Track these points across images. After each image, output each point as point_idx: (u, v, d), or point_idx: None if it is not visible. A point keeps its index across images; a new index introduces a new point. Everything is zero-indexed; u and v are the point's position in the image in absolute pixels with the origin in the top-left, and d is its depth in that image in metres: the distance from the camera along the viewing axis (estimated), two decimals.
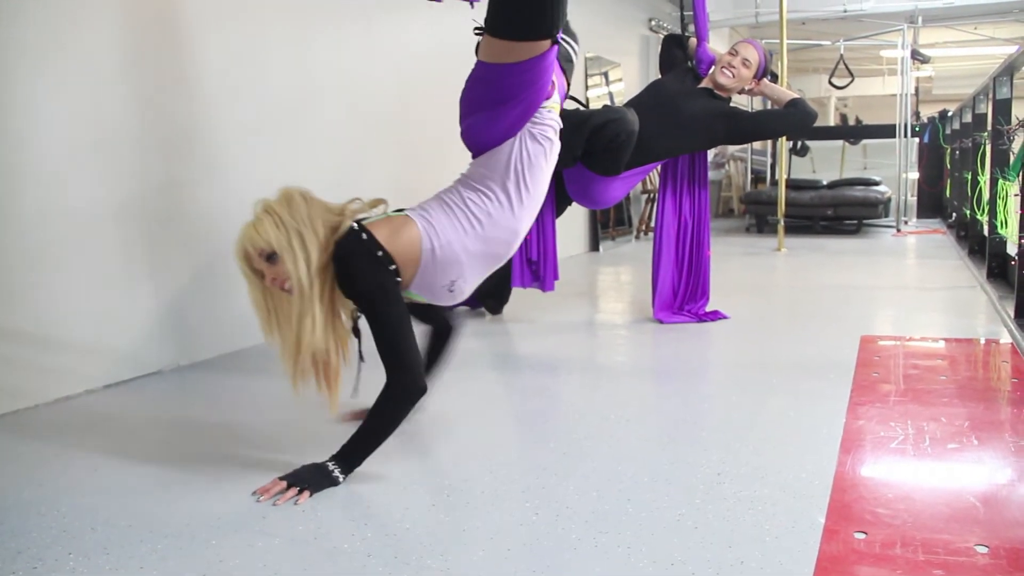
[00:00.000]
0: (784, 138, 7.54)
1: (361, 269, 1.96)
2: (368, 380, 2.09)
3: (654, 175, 7.28)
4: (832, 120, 15.70)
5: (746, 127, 3.73)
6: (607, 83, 7.37)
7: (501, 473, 2.05)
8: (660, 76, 3.96)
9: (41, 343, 2.76)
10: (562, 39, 2.41)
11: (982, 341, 3.47)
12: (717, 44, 5.73)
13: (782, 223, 7.19)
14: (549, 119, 2.21)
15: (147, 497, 1.95)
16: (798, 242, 7.61)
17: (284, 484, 1.94)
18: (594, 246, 7.18)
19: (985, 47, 12.20)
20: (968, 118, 6.78)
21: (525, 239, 2.92)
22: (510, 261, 3.14)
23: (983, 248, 5.21)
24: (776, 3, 7.05)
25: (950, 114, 8.82)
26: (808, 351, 3.30)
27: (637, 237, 8.24)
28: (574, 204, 3.77)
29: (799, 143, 10.24)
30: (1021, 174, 3.68)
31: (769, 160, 10.53)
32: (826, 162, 11.14)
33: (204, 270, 3.33)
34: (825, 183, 8.88)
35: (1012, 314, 3.63)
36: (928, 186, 9.98)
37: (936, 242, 7.47)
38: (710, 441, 2.27)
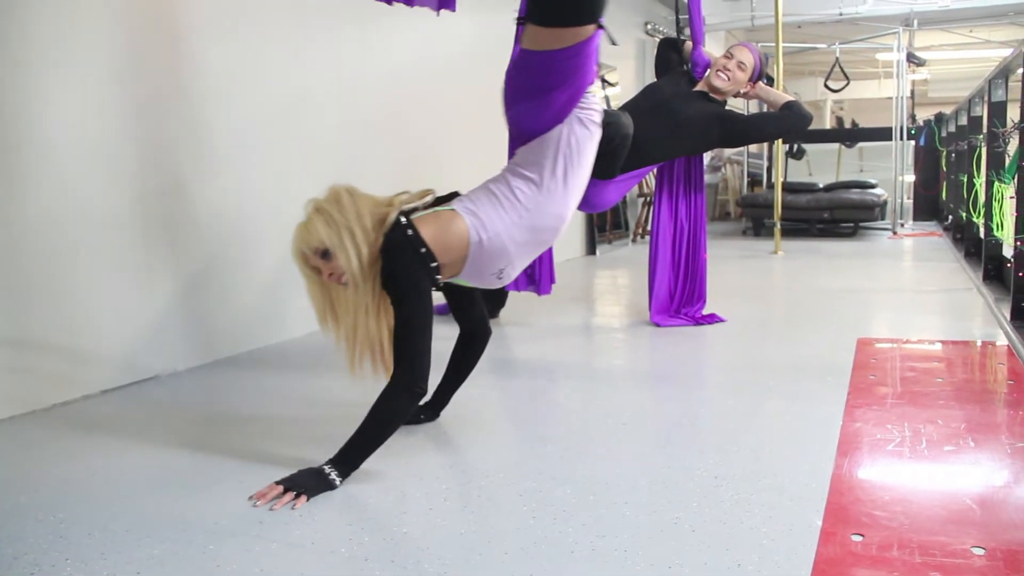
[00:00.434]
0: (780, 141, 7.55)
1: (402, 265, 2.01)
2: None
3: (650, 178, 7.30)
4: (828, 123, 15.71)
5: (741, 130, 3.73)
6: (603, 86, 7.38)
7: (498, 477, 2.05)
8: (656, 79, 3.97)
9: (38, 349, 2.75)
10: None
11: (978, 343, 3.48)
12: (713, 47, 5.74)
13: (778, 226, 7.20)
14: (594, 103, 2.22)
15: (144, 502, 1.94)
16: (795, 245, 7.62)
17: (281, 489, 1.94)
18: (591, 250, 7.19)
19: (980, 50, 12.23)
20: (964, 121, 6.79)
21: None
22: None
23: (979, 250, 5.22)
24: (772, 6, 7.06)
25: (946, 117, 8.84)
26: (805, 354, 3.31)
27: (634, 240, 8.24)
28: None
29: (795, 146, 10.24)
30: (1016, 176, 3.69)
31: (765, 163, 10.54)
32: (822, 165, 11.14)
33: (200, 275, 3.33)
34: (821, 186, 8.89)
35: (1008, 316, 3.64)
36: (924, 189, 10.00)
37: (932, 245, 7.48)
38: (707, 444, 2.27)
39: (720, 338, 3.69)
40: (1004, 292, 4.29)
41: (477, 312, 2.43)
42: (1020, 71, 3.64)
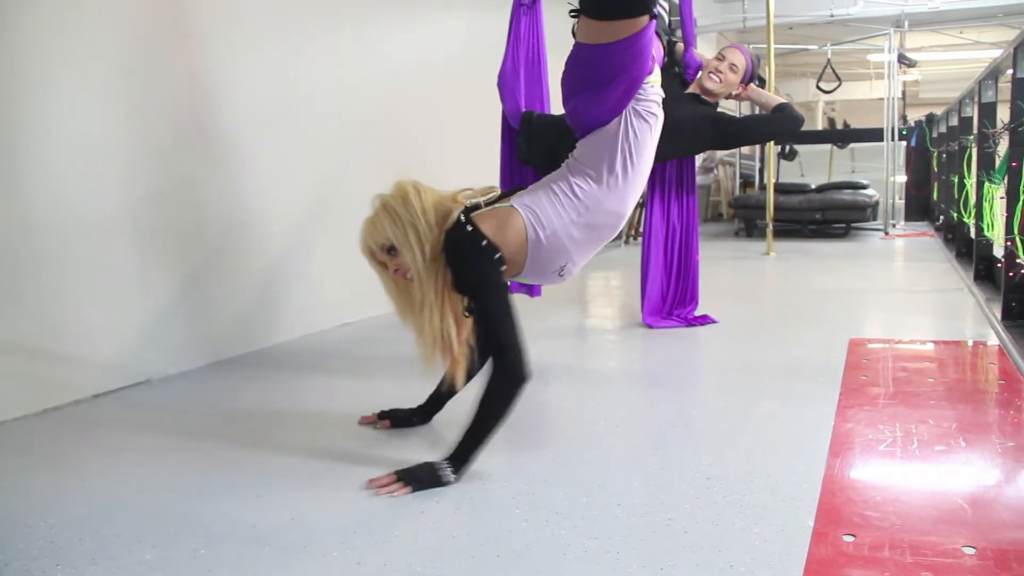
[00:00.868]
0: (772, 142, 7.57)
1: (465, 258, 2.03)
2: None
3: None
4: (820, 124, 15.76)
5: (734, 132, 3.73)
6: None
7: (490, 479, 2.05)
8: None
9: (29, 353, 2.74)
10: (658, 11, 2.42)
11: (970, 343, 3.49)
12: (704, 49, 5.75)
13: (771, 227, 7.21)
14: (653, 94, 2.21)
15: (135, 507, 1.94)
16: (787, 246, 7.64)
17: (394, 478, 1.99)
18: None
19: (971, 51, 12.28)
20: (954, 121, 6.82)
21: None
22: None
23: (970, 250, 5.24)
24: (763, 8, 7.08)
25: (937, 118, 8.87)
26: (797, 354, 3.32)
27: (626, 242, 8.25)
28: None
29: (787, 147, 10.28)
30: (1006, 177, 3.70)
31: (758, 164, 10.57)
32: (814, 166, 11.19)
33: (192, 279, 3.33)
34: (813, 187, 8.92)
35: (999, 316, 3.65)
36: (916, 189, 10.03)
37: (924, 245, 7.51)
38: (699, 445, 2.27)
39: (712, 339, 3.70)
40: (995, 292, 4.30)
41: None
42: (1010, 72, 3.65)
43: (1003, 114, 4.60)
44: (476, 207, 2.12)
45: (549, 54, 3.59)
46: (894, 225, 9.13)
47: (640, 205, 8.34)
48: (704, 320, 3.96)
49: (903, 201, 10.15)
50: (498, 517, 1.83)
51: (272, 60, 3.68)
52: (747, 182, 11.14)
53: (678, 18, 3.93)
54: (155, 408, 2.84)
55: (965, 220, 5.82)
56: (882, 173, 9.06)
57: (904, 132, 9.97)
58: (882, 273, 5.89)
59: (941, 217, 8.07)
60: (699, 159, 8.09)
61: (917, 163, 9.92)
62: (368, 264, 2.15)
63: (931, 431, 2.31)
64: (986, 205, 4.75)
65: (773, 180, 7.64)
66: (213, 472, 2.15)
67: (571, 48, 2.16)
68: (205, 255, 3.39)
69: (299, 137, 3.85)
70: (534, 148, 3.38)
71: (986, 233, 4.78)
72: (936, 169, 8.84)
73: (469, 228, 2.04)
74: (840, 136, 11.87)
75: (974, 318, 3.98)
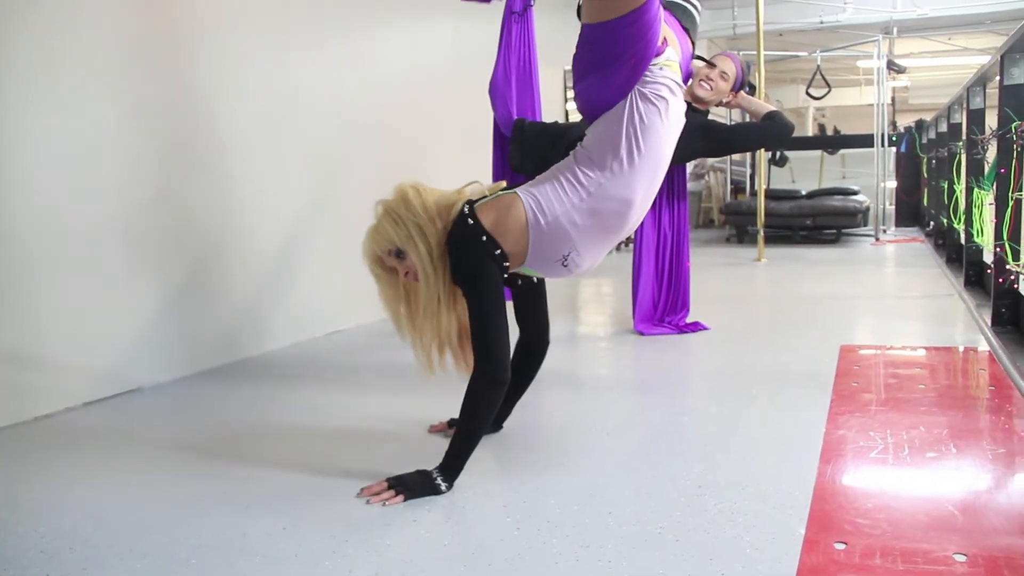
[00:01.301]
0: (763, 149, 7.59)
1: (466, 255, 2.03)
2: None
3: None
4: (810, 130, 15.83)
5: (725, 140, 3.75)
6: None
7: (482, 488, 2.05)
8: None
9: (21, 361, 2.73)
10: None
11: (960, 349, 3.50)
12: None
13: (762, 233, 7.24)
14: (662, 77, 2.13)
15: (126, 516, 1.93)
16: (778, 252, 7.66)
17: (386, 485, 1.99)
18: None
19: (960, 57, 12.34)
20: (944, 128, 6.85)
21: None
22: None
23: (960, 256, 5.26)
24: (753, 15, 7.11)
25: (926, 124, 8.91)
26: (788, 361, 3.32)
27: (618, 249, 8.24)
28: None
29: (778, 154, 10.30)
30: (995, 183, 3.72)
31: (748, 171, 10.59)
32: (805, 172, 11.21)
33: (183, 287, 3.32)
34: (804, 193, 8.95)
35: (989, 322, 3.66)
36: (906, 195, 10.07)
37: (914, 251, 7.53)
38: (691, 453, 2.27)
39: (704, 346, 3.71)
40: (985, 297, 4.32)
41: (542, 319, 2.39)
42: (997, 79, 3.68)
43: (991, 120, 4.62)
44: (481, 198, 2.11)
45: (540, 61, 3.60)
46: (884, 231, 9.16)
47: None
48: (695, 327, 3.96)
49: (893, 207, 10.19)
50: (490, 526, 1.83)
51: (263, 68, 3.68)
52: (738, 188, 11.17)
53: None
54: (146, 416, 2.83)
55: (955, 226, 5.84)
56: (872, 179, 9.10)
57: (894, 138, 10.02)
58: (873, 279, 5.91)
59: (931, 223, 8.10)
60: (690, 166, 8.11)
61: (907, 169, 9.96)
62: (371, 273, 2.13)
63: (922, 437, 2.31)
64: (975, 211, 4.77)
65: (764, 186, 7.66)
66: (204, 481, 2.14)
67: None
68: (196, 262, 3.39)
69: (290, 145, 3.85)
70: (527, 155, 3.39)
71: (976, 239, 4.80)
72: (926, 175, 8.87)
73: (471, 222, 2.03)
74: (830, 142, 11.91)
75: (964, 324, 4.00)
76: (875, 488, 2.00)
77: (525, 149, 3.40)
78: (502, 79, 3.48)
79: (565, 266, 2.14)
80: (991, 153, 4.30)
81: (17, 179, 2.70)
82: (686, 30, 2.89)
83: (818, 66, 9.03)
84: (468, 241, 2.03)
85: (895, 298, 4.96)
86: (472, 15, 5.13)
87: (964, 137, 5.05)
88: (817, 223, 8.52)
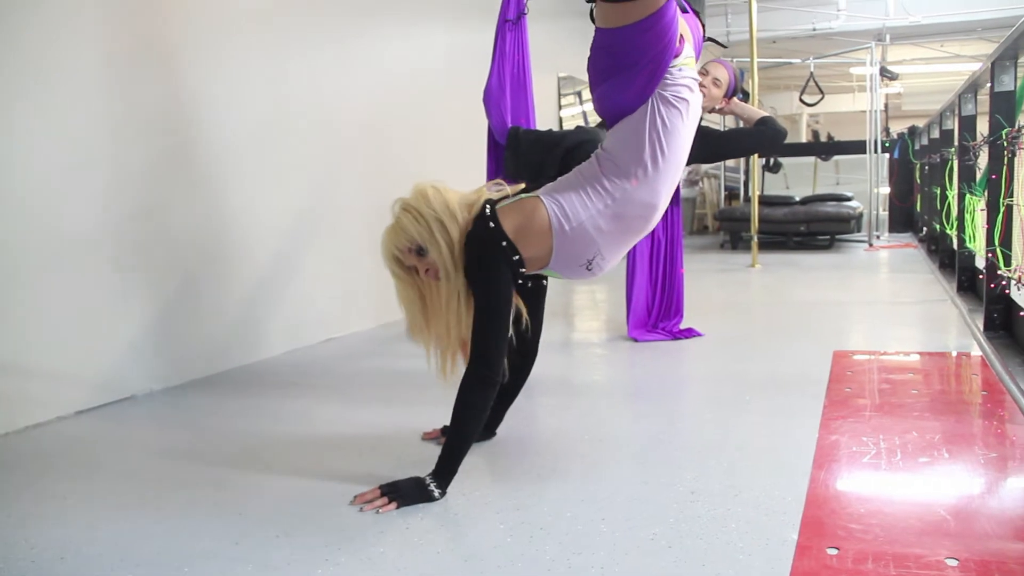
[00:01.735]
0: (757, 155, 7.61)
1: (483, 256, 2.02)
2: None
3: None
4: (804, 137, 15.87)
5: (717, 146, 3.75)
6: (580, 102, 7.42)
7: (475, 495, 2.05)
8: None
9: (12, 370, 2.73)
10: None
11: (953, 354, 3.51)
12: None
13: (756, 239, 7.25)
14: (682, 79, 2.10)
15: (118, 525, 1.92)
16: (772, 258, 7.67)
17: (379, 492, 1.98)
18: None
19: (952, 63, 12.40)
20: (936, 134, 6.88)
21: None
22: None
23: (953, 262, 5.27)
24: (747, 22, 7.14)
25: (919, 130, 8.94)
26: (782, 367, 3.33)
27: None
28: None
29: (772, 160, 10.34)
30: (987, 189, 3.74)
31: (742, 177, 10.62)
32: (799, 178, 11.25)
33: (176, 295, 3.31)
34: (798, 199, 8.97)
35: (981, 327, 3.67)
36: (899, 201, 10.10)
37: (907, 256, 7.55)
38: (684, 459, 2.27)
39: (697, 352, 3.71)
40: (977, 303, 4.33)
41: (537, 326, 2.38)
42: (988, 86, 3.69)
43: (983, 127, 4.65)
44: (502, 198, 2.10)
45: (534, 69, 3.61)
46: (878, 237, 9.19)
47: None
48: (689, 333, 3.97)
49: (887, 213, 10.22)
50: (483, 533, 1.83)
51: (256, 78, 3.68)
52: (732, 194, 11.20)
53: None
54: (138, 425, 2.82)
55: (948, 231, 5.86)
56: (866, 185, 9.12)
57: (887, 144, 10.05)
58: (866, 285, 5.92)
59: (924, 228, 8.12)
60: (684, 172, 8.13)
61: (900, 175, 9.99)
62: (390, 274, 2.12)
63: (915, 442, 2.32)
64: (968, 217, 4.79)
65: (758, 192, 7.68)
66: (195, 489, 2.14)
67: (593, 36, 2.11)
68: (189, 271, 3.38)
69: (283, 154, 3.85)
70: (521, 163, 3.39)
71: (968, 245, 4.82)
72: (919, 181, 8.90)
73: (492, 224, 2.03)
74: (824, 148, 11.96)
75: (957, 329, 4.01)
76: (868, 493, 2.01)
77: (520, 157, 3.40)
78: (496, 87, 3.49)
79: (589, 269, 2.15)
80: (983, 159, 4.32)
81: (8, 189, 2.69)
82: (696, 13, 2.88)
83: (811, 73, 9.06)
84: (486, 243, 2.03)
85: (888, 303, 4.97)
86: (466, 23, 5.15)
87: (956, 143, 5.07)
88: (811, 229, 8.54)
